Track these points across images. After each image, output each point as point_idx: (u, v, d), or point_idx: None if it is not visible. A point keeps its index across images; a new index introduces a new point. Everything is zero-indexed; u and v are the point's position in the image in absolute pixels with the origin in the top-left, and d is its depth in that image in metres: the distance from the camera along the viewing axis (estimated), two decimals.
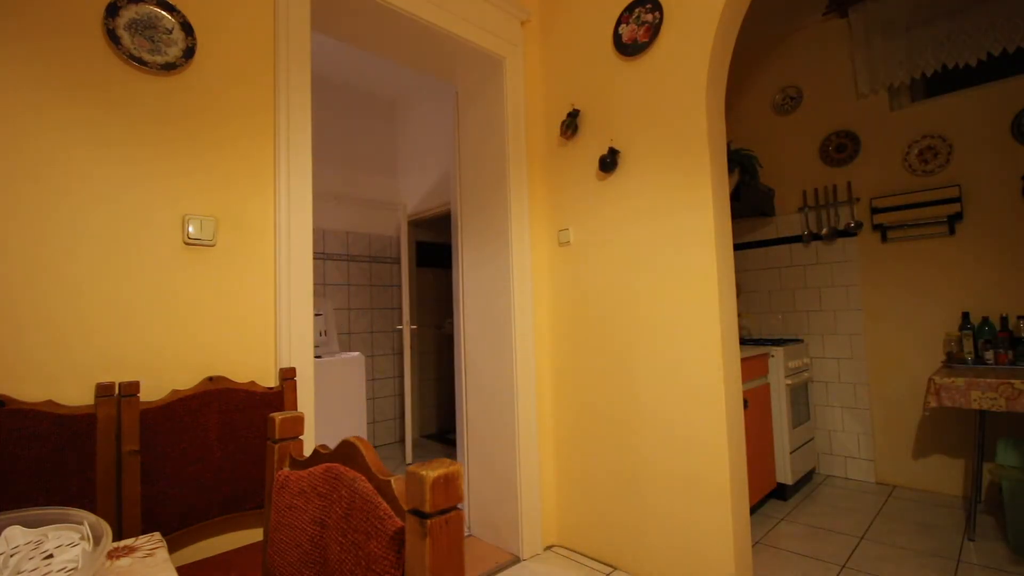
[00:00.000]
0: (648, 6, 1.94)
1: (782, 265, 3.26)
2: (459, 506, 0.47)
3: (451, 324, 4.38)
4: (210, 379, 1.39)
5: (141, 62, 1.33)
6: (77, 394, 1.20)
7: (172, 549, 1.32)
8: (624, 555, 1.98)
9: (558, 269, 2.28)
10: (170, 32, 1.37)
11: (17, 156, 1.17)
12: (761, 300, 3.34)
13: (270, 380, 1.52)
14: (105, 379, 1.24)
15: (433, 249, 4.50)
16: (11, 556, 0.61)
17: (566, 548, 2.20)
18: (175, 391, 1.33)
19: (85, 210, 1.25)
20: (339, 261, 3.84)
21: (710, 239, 1.75)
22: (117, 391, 1.23)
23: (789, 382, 2.71)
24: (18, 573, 0.59)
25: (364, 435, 3.74)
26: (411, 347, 4.16)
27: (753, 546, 2.17)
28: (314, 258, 1.67)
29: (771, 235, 3.29)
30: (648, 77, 1.95)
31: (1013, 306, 2.49)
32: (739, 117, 3.41)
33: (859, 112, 2.96)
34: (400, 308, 4.14)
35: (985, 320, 2.49)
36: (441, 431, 4.46)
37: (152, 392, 1.30)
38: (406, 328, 3.59)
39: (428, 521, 0.45)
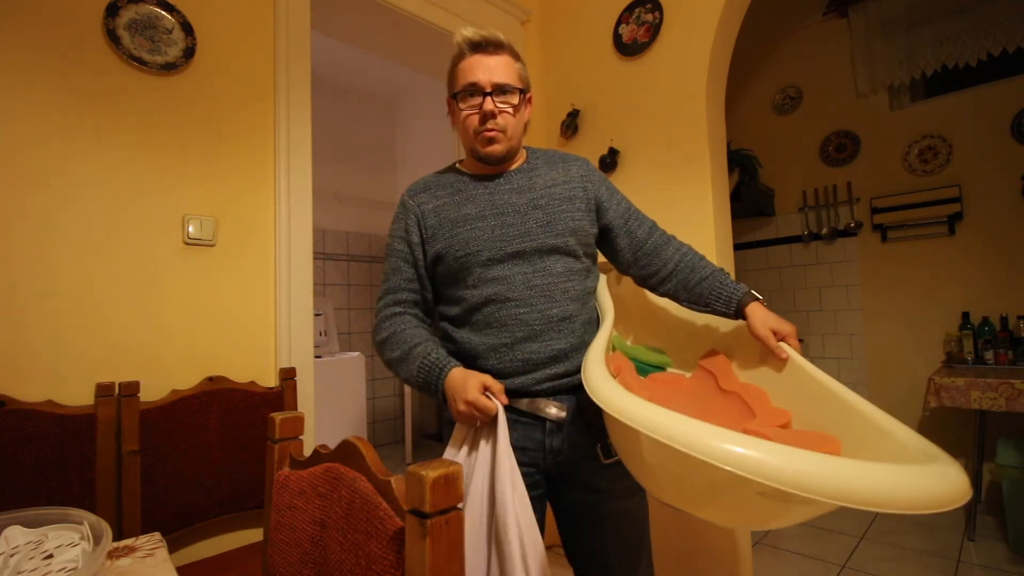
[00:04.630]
0: (648, 6, 1.94)
1: (782, 265, 3.25)
2: (459, 506, 0.47)
3: None
4: (210, 379, 1.39)
5: (141, 62, 1.33)
6: (77, 394, 1.20)
7: (172, 549, 1.32)
8: None
9: None
10: (170, 32, 1.37)
11: (16, 157, 1.17)
12: None
13: (270, 380, 1.52)
14: (105, 379, 1.24)
15: None
16: (11, 556, 0.61)
17: None
18: (175, 391, 1.33)
19: (85, 211, 1.24)
20: (339, 261, 3.84)
21: (710, 239, 1.75)
22: (117, 391, 1.23)
23: None
24: (18, 573, 0.59)
25: (364, 435, 3.75)
26: None
27: (753, 546, 2.17)
28: (314, 258, 1.66)
29: (771, 235, 3.29)
30: (648, 77, 1.95)
31: (1013, 306, 2.48)
32: (739, 117, 3.40)
33: (859, 112, 2.96)
34: None
35: (985, 320, 2.49)
36: (441, 431, 4.46)
37: (152, 392, 1.30)
38: None
39: (428, 521, 0.45)
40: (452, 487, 0.46)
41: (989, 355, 2.41)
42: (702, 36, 1.79)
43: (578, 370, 0.95)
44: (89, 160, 1.26)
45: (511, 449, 0.84)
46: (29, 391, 1.15)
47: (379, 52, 2.22)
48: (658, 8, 1.90)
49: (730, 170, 2.74)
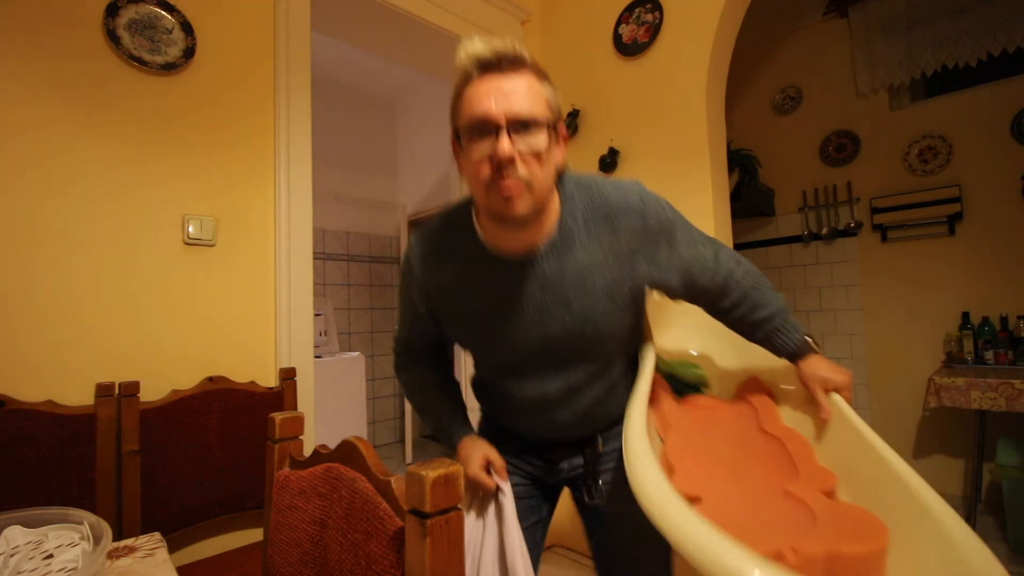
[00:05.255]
0: (648, 6, 1.94)
1: (782, 265, 3.25)
2: (459, 506, 0.47)
3: None
4: (210, 379, 1.39)
5: (141, 62, 1.32)
6: (77, 394, 1.20)
7: (172, 549, 1.32)
8: None
9: None
10: (170, 32, 1.37)
11: (16, 156, 1.17)
12: None
13: (270, 380, 1.52)
14: (105, 379, 1.24)
15: None
16: (11, 556, 0.61)
17: (565, 548, 2.20)
18: (175, 391, 1.33)
19: (85, 210, 1.24)
20: (339, 261, 3.85)
21: None
22: (117, 391, 1.23)
23: None
24: (18, 573, 0.59)
25: (364, 435, 3.75)
26: None
27: None
28: (314, 258, 1.64)
29: (771, 235, 3.29)
30: (648, 77, 1.95)
31: (1013, 306, 2.48)
32: (739, 117, 3.40)
33: (859, 112, 2.96)
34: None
35: (985, 320, 2.49)
36: None
37: (152, 392, 1.30)
38: None
39: (428, 521, 0.45)
40: (452, 487, 0.46)
41: (989, 355, 2.41)
42: (702, 36, 1.79)
43: (593, 436, 0.94)
44: (88, 160, 1.25)
45: (518, 523, 0.86)
46: (29, 391, 1.15)
47: (379, 52, 2.22)
48: (658, 8, 1.90)
49: (730, 170, 2.73)
